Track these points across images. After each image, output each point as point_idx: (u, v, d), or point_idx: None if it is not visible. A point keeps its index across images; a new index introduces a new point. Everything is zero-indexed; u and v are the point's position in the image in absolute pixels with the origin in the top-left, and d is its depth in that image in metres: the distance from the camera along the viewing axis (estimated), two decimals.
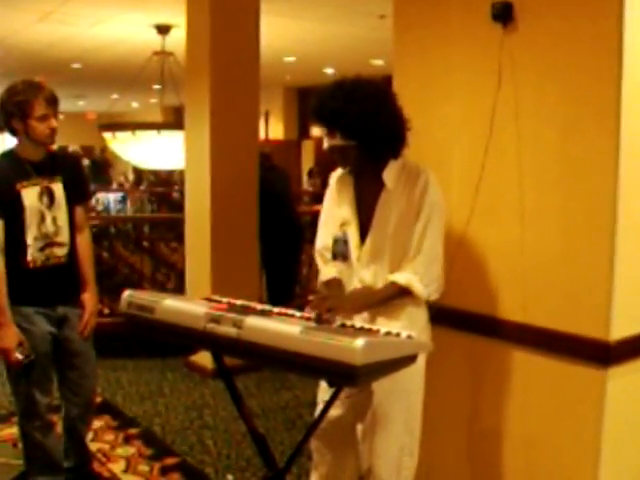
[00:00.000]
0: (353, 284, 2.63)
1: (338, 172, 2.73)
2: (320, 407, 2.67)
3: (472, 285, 2.98)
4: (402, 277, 2.52)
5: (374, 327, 2.29)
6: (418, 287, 2.51)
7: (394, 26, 3.31)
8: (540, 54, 2.69)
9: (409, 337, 2.19)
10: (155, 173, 15.29)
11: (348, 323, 2.31)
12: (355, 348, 1.82)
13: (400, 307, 2.58)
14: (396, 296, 2.54)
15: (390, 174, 2.55)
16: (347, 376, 1.87)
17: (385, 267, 2.57)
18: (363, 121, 2.40)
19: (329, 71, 11.62)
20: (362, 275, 2.60)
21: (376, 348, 1.92)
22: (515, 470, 2.88)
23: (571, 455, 2.66)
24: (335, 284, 2.66)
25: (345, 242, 2.63)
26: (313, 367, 1.92)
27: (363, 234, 2.61)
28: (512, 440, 2.88)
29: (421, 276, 2.51)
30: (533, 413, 2.79)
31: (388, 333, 2.19)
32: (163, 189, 13.55)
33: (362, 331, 2.18)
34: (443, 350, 2.66)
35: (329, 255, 2.69)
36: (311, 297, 2.52)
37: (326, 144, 2.51)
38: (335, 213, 2.71)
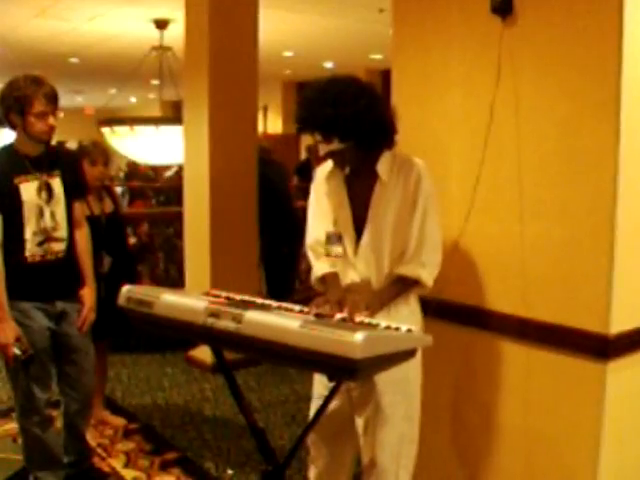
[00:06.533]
0: (349, 278, 2.62)
1: (326, 167, 2.71)
2: (316, 401, 2.68)
3: (471, 279, 2.97)
4: (409, 269, 2.54)
5: (373, 321, 2.29)
6: (426, 277, 2.55)
7: (393, 19, 3.30)
8: (540, 48, 2.68)
9: (409, 331, 2.18)
10: (154, 169, 15.21)
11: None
12: (355, 342, 1.81)
13: (401, 299, 2.59)
14: (405, 289, 2.57)
15: (384, 166, 2.55)
16: (347, 370, 1.86)
17: (385, 260, 2.57)
18: (358, 120, 2.40)
19: (328, 65, 11.60)
20: (360, 269, 2.59)
21: (376, 342, 1.92)
22: (515, 462, 2.88)
23: (571, 448, 2.67)
24: (332, 279, 2.64)
25: (339, 237, 2.60)
26: (313, 361, 1.91)
27: (357, 228, 2.60)
28: (512, 432, 2.88)
29: (426, 265, 2.55)
30: (533, 406, 2.79)
31: (388, 327, 2.18)
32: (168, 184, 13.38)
33: (362, 325, 2.17)
34: (443, 344, 2.66)
35: (322, 250, 2.66)
36: (322, 298, 2.49)
37: (323, 151, 2.50)
38: (326, 208, 2.68)
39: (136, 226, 6.81)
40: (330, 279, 2.65)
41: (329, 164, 2.65)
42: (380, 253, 2.57)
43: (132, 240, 6.34)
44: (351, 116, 2.38)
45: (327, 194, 2.70)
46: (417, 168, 2.55)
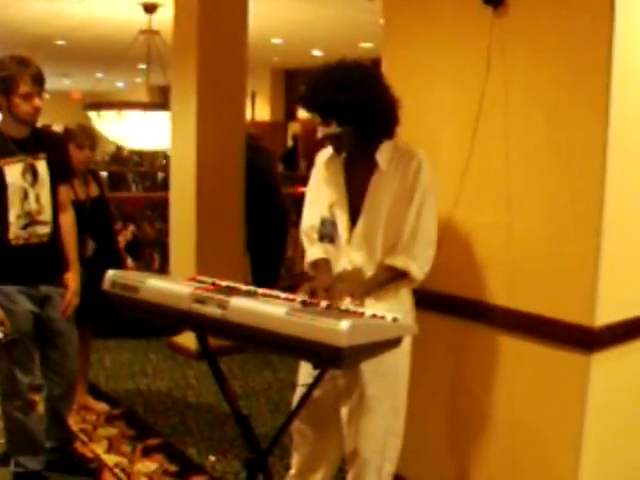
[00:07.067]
0: (341, 266, 2.61)
1: (325, 152, 2.70)
2: (300, 389, 2.67)
3: (458, 270, 2.98)
4: (399, 260, 2.52)
5: (359, 309, 2.29)
6: (415, 270, 2.52)
7: (383, 8, 3.28)
8: (530, 39, 2.67)
9: (394, 320, 2.18)
10: (141, 154, 15.16)
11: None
12: (341, 330, 1.81)
13: (390, 289, 2.57)
14: (393, 279, 2.55)
15: (383, 155, 2.53)
16: (332, 358, 1.86)
17: (378, 249, 2.56)
18: (357, 106, 2.39)
19: (317, 53, 11.56)
20: (353, 257, 2.58)
21: (361, 330, 1.92)
22: (498, 452, 2.90)
23: (554, 439, 2.68)
24: (323, 265, 2.64)
25: (333, 224, 2.60)
26: (298, 349, 1.91)
27: (353, 216, 2.59)
28: (496, 423, 2.90)
29: (417, 259, 2.52)
30: (517, 396, 2.81)
31: (373, 316, 2.18)
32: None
33: (347, 313, 2.17)
34: (429, 334, 2.66)
35: (316, 236, 2.66)
36: (308, 284, 2.48)
37: (320, 133, 2.49)
38: (323, 194, 2.67)
39: (124, 226, 6.81)
40: (321, 265, 2.65)
41: (329, 150, 2.65)
42: (373, 242, 2.56)
43: (123, 235, 6.35)
44: (350, 101, 2.37)
45: (325, 180, 2.69)
46: (418, 159, 2.53)
